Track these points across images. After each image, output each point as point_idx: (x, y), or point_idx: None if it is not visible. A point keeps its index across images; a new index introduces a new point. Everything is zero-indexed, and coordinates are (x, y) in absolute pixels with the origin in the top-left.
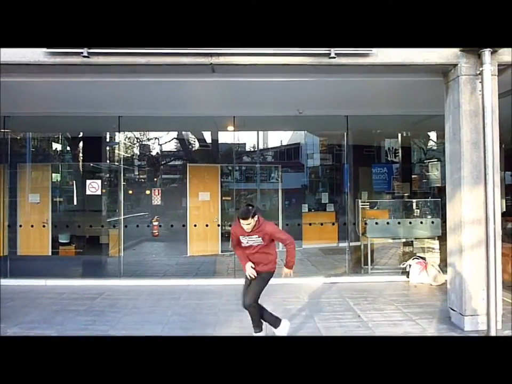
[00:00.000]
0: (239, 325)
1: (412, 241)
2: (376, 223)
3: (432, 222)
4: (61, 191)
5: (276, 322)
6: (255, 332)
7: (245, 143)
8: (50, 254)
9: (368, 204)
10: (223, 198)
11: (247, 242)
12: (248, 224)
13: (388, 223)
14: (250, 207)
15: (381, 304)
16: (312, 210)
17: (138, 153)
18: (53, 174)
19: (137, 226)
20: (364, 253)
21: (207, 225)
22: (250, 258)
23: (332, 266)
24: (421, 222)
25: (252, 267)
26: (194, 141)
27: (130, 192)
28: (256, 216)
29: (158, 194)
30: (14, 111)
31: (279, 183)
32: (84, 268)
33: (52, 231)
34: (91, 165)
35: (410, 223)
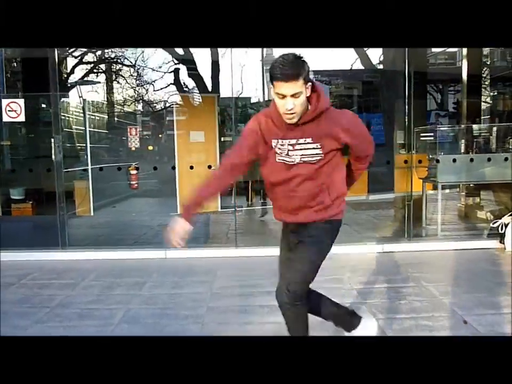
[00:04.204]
0: None
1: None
2: (454, 160)
3: None
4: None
5: (350, 321)
6: None
7: (250, 97)
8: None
9: (431, 134)
10: (223, 139)
11: (287, 155)
12: (295, 96)
13: (471, 159)
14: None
15: (486, 292)
16: None
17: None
18: None
19: (101, 170)
20: (427, 207)
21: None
22: (286, 194)
23: (374, 227)
24: None
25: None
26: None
27: (98, 130)
28: (311, 83)
29: (136, 134)
30: None
31: None
32: (29, 233)
33: None
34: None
35: (506, 159)
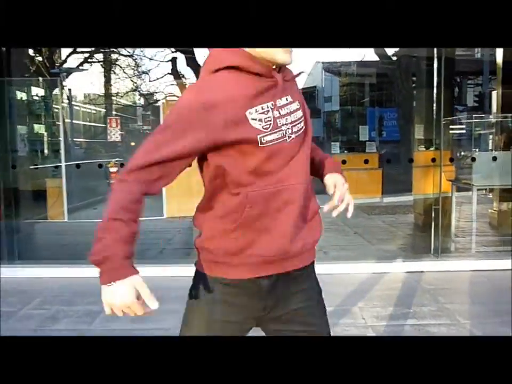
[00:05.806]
0: None
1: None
2: (494, 158)
3: None
4: None
5: None
6: None
7: None
8: None
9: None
10: None
11: (276, 128)
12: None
13: None
14: None
15: None
16: (345, 151)
17: None
18: None
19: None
20: (457, 215)
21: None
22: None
23: (391, 237)
24: None
25: None
26: None
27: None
28: None
29: (117, 126)
30: None
31: None
32: None
33: None
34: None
35: None
